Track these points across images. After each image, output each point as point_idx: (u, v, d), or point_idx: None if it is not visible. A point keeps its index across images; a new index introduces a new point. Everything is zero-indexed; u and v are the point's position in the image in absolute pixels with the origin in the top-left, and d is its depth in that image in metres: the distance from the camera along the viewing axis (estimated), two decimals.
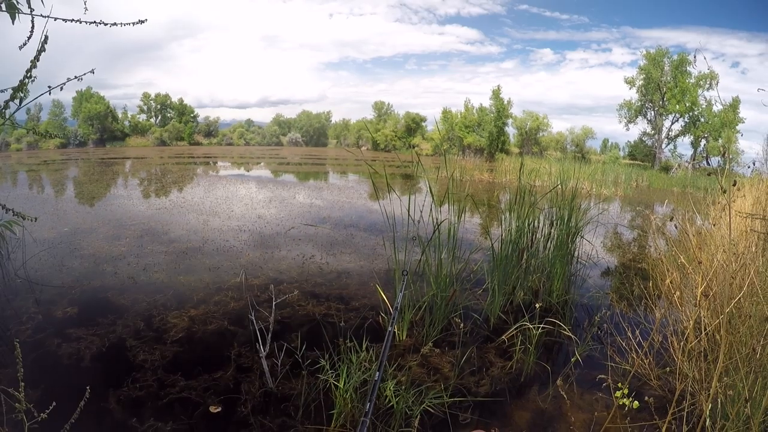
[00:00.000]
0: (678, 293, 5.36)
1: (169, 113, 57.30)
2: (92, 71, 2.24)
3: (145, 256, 8.31)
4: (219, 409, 4.09)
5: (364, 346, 4.40)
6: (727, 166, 3.63)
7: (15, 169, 22.85)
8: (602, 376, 4.39)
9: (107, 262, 7.81)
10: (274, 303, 4.84)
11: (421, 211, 5.72)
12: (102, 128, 49.82)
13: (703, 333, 4.07)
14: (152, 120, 56.95)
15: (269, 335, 4.55)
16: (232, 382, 4.47)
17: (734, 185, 3.59)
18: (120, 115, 53.71)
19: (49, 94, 2.06)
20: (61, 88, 2.10)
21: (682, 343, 4.50)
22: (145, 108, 56.92)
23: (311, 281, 7.15)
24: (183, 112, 57.08)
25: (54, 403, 2.13)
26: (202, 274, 7.38)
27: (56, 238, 9.13)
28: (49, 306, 5.97)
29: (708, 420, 3.08)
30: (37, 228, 8.73)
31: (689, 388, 3.92)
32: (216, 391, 4.33)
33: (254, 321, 4.63)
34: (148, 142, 51.71)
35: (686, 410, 3.34)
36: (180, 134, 54.51)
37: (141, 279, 7.09)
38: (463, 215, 5.88)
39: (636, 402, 2.94)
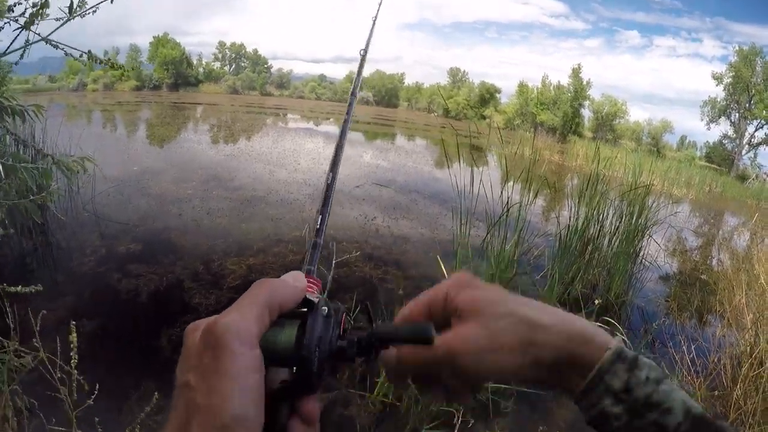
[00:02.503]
0: (748, 314, 5.06)
1: (243, 63, 57.82)
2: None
3: (209, 200, 8.38)
4: None
5: None
6: None
7: (90, 109, 23.48)
8: None
9: (172, 204, 7.90)
10: (333, 261, 4.75)
11: (490, 187, 5.51)
12: (176, 73, 50.67)
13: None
14: (226, 68, 57.59)
15: (325, 293, 4.47)
16: None
17: None
18: (195, 62, 54.52)
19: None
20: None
21: (737, 369, 4.31)
22: (219, 56, 57.58)
23: (371, 243, 7.04)
24: (257, 62, 57.49)
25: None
26: (264, 224, 7.39)
27: (125, 177, 9.30)
28: (113, 241, 6.07)
29: None
30: (107, 165, 8.88)
31: (738, 417, 3.68)
32: None
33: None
34: (221, 90, 52.38)
35: None
36: (252, 84, 55.01)
37: (204, 223, 7.14)
38: (533, 198, 5.63)
39: None
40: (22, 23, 1.97)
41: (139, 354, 4.07)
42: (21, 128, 6.66)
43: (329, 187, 0.82)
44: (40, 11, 1.96)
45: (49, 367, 1.95)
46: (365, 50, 1.30)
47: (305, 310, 0.53)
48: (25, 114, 2.29)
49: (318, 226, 0.77)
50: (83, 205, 7.14)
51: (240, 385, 0.43)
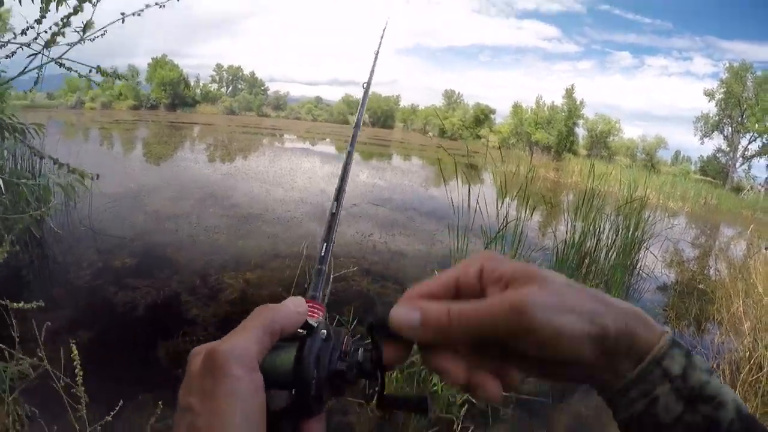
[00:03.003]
0: (745, 322, 5.09)
1: (240, 85, 58.27)
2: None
3: (206, 217, 8.38)
4: None
5: None
6: None
7: (88, 126, 23.52)
8: None
9: (169, 220, 7.91)
10: (331, 276, 4.75)
11: (485, 203, 5.54)
12: (174, 94, 50.99)
13: (766, 369, 3.83)
14: (223, 90, 57.99)
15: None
16: None
17: None
18: (192, 83, 54.86)
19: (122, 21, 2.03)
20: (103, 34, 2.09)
21: (736, 375, 4.33)
22: (217, 78, 58.03)
23: (368, 259, 7.05)
24: (254, 84, 57.95)
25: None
26: (261, 241, 7.39)
27: (122, 193, 9.30)
28: (110, 255, 6.06)
29: None
30: (104, 182, 8.88)
31: None
32: None
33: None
34: (218, 111, 52.71)
35: None
36: (249, 105, 55.35)
37: (201, 239, 7.14)
38: (529, 213, 5.66)
39: None
40: (37, 47, 2.00)
41: (137, 366, 4.05)
42: (20, 145, 6.73)
43: (333, 216, 0.83)
44: (61, 31, 1.99)
45: (53, 374, 1.95)
46: (368, 83, 1.32)
47: (305, 333, 0.53)
48: (26, 132, 2.31)
49: (322, 254, 0.77)
50: (80, 220, 7.14)
51: (241, 409, 0.44)
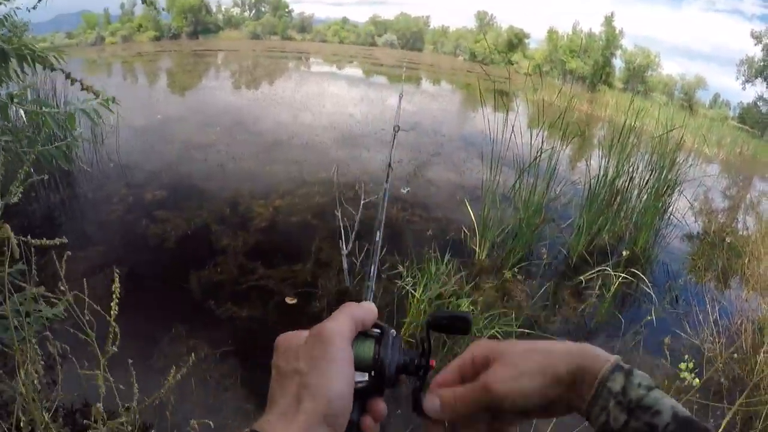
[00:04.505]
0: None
1: (263, 7, 56.87)
2: None
3: (234, 145, 8.34)
4: (295, 301, 4.08)
5: (445, 260, 4.24)
6: None
7: (110, 62, 23.21)
8: (670, 343, 4.19)
9: (197, 150, 7.88)
10: (362, 201, 4.71)
11: (518, 133, 5.39)
12: (195, 21, 50.02)
13: None
14: (246, 14, 56.87)
15: (353, 234, 4.45)
16: (310, 276, 4.46)
17: None
18: (214, 9, 53.90)
19: None
20: None
21: (758, 334, 4.34)
22: (239, 2, 56.85)
23: (397, 186, 6.97)
24: (277, 6, 56.45)
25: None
26: (289, 167, 7.36)
27: (149, 125, 9.28)
28: (139, 189, 6.08)
29: None
30: (130, 115, 8.84)
31: (760, 382, 3.61)
32: (293, 283, 4.32)
33: (339, 217, 4.51)
34: (241, 36, 51.70)
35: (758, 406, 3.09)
36: (273, 28, 54.19)
37: (229, 167, 7.12)
38: (564, 145, 5.51)
39: (697, 379, 2.84)
40: None
41: (169, 297, 4.10)
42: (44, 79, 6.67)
43: (376, 245, 1.04)
44: None
45: (77, 315, 1.93)
46: (398, 126, 1.66)
47: (378, 331, 0.67)
48: (47, 60, 2.24)
49: (371, 274, 0.96)
50: (108, 155, 7.11)
51: (341, 372, 0.58)
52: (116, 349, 1.85)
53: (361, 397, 0.62)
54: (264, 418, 0.56)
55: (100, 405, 1.78)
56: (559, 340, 0.67)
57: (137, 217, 5.32)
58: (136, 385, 1.95)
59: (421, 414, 0.68)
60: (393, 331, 0.68)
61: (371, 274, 0.96)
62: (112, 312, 1.82)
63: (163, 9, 50.51)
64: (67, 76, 2.29)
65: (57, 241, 1.92)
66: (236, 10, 56.63)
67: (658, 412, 0.57)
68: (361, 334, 0.65)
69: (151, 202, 5.73)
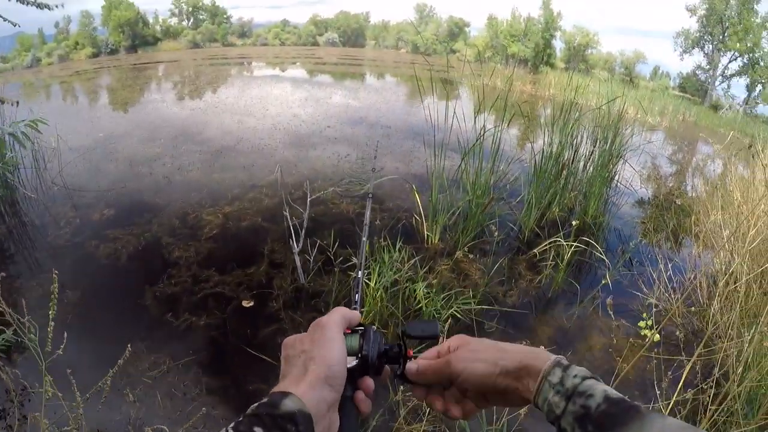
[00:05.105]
0: (723, 233, 5.15)
1: (202, 15, 56.12)
2: None
3: (179, 156, 8.29)
4: (251, 304, 4.13)
5: (397, 247, 4.33)
6: None
7: (47, 83, 22.63)
8: (627, 304, 4.41)
9: (142, 164, 7.81)
10: (308, 199, 4.76)
11: (463, 118, 5.51)
12: (133, 34, 49.04)
13: (744, 279, 3.88)
14: (184, 23, 55.96)
15: (303, 231, 4.51)
16: (265, 278, 4.51)
17: None
18: (151, 20, 52.87)
19: None
20: None
21: (712, 286, 4.47)
22: (176, 11, 55.86)
23: (346, 180, 7.04)
24: (215, 13, 55.74)
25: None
26: (237, 172, 7.35)
27: (91, 145, 9.08)
28: (87, 210, 6.01)
29: (739, 367, 2.98)
30: (72, 136, 8.70)
31: (715, 331, 3.78)
32: (249, 286, 4.37)
33: (288, 217, 4.56)
34: (181, 46, 50.93)
35: (718, 352, 3.22)
36: (213, 36, 53.49)
37: (176, 178, 7.09)
38: (506, 124, 5.64)
39: (657, 335, 3.02)
40: None
41: (126, 316, 4.10)
42: None
43: (358, 281, 1.18)
44: None
45: (29, 342, 1.95)
46: (371, 194, 1.84)
47: (362, 328, 0.85)
48: None
49: (357, 291, 1.12)
50: (52, 179, 6.97)
51: (337, 346, 0.75)
52: (61, 352, 1.88)
53: (353, 376, 0.78)
54: (278, 385, 0.70)
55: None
56: (525, 345, 0.84)
57: (86, 238, 5.25)
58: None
59: (404, 378, 0.87)
60: (374, 328, 0.86)
61: (359, 285, 1.15)
62: (50, 313, 1.84)
63: (97, 26, 49.52)
64: None
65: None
66: (174, 20, 55.47)
67: (591, 396, 0.70)
68: (349, 331, 0.83)
69: (100, 221, 5.67)
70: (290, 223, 4.51)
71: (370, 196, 1.63)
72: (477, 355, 0.83)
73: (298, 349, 0.76)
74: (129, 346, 2.23)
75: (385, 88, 20.61)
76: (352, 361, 0.79)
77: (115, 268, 4.72)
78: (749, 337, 3.01)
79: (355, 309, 0.97)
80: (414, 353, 0.89)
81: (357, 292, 1.11)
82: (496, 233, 5.10)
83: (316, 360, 0.72)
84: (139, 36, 49.65)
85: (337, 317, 0.81)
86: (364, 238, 1.36)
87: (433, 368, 0.85)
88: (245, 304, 4.12)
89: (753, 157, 7.35)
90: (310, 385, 0.68)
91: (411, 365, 0.86)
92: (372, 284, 3.80)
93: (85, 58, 44.18)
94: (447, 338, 0.92)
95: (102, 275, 4.66)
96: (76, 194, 6.52)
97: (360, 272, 1.22)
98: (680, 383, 2.82)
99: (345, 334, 0.81)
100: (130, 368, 3.37)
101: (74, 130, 9.73)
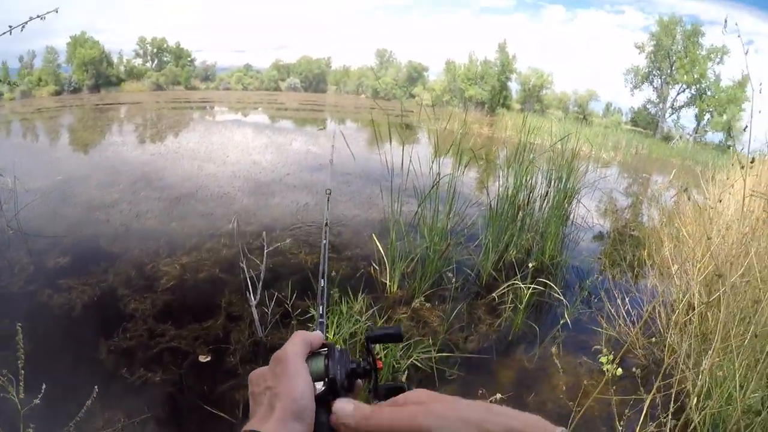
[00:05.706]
0: (674, 265, 5.33)
1: (166, 57, 56.08)
2: (56, 10, 2.14)
3: (137, 203, 8.25)
4: (208, 359, 4.11)
5: (357, 297, 4.41)
6: (733, 143, 3.53)
7: (8, 119, 22.35)
8: (588, 340, 4.50)
9: (100, 210, 7.75)
10: (265, 251, 4.80)
11: (419, 163, 5.65)
12: (97, 74, 48.75)
13: (697, 308, 4.00)
14: (148, 64, 55.79)
15: (260, 284, 4.53)
16: (222, 331, 4.50)
17: (752, 162, 3.52)
18: (115, 60, 52.60)
19: (10, 33, 1.99)
20: (22, 29, 2.03)
21: (670, 316, 4.55)
22: (141, 52, 55.71)
23: (304, 229, 7.12)
24: (180, 55, 55.76)
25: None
26: (195, 221, 7.36)
27: (49, 187, 8.99)
28: (41, 256, 5.93)
29: (694, 398, 3.09)
30: (29, 178, 8.62)
31: (675, 362, 3.89)
32: (206, 340, 4.35)
33: (245, 269, 4.58)
34: (144, 87, 50.67)
35: (673, 384, 3.31)
36: (176, 78, 53.39)
37: (133, 226, 7.05)
38: (462, 169, 5.80)
39: (619, 369, 2.96)
40: None
41: (79, 371, 4.04)
42: None
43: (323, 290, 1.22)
44: None
45: None
46: (330, 190, 1.93)
47: (326, 350, 0.81)
48: None
49: (320, 303, 1.15)
50: (7, 222, 6.86)
51: (299, 377, 0.73)
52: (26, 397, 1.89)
53: (324, 401, 0.75)
54: (248, 423, 0.71)
55: None
56: (511, 408, 0.65)
57: (40, 286, 5.17)
58: None
59: (378, 395, 0.78)
60: (338, 347, 0.83)
61: (321, 311, 1.19)
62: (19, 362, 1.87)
63: (61, 63, 48.91)
64: None
65: None
66: (138, 61, 55.34)
67: None
68: (313, 354, 0.81)
69: (54, 269, 5.60)
70: (247, 276, 4.53)
71: (326, 223, 1.68)
72: (458, 413, 0.62)
73: (263, 386, 0.76)
74: (87, 403, 2.23)
75: (346, 134, 20.75)
76: (320, 386, 0.76)
77: (69, 320, 4.65)
78: (702, 368, 3.12)
79: (315, 330, 0.90)
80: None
81: (321, 304, 1.13)
82: (453, 279, 5.20)
83: (281, 396, 0.71)
84: (102, 75, 49.26)
85: (298, 346, 0.79)
86: (324, 241, 1.48)
87: (387, 417, 0.65)
88: (202, 358, 4.10)
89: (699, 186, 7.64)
90: (278, 421, 0.69)
91: (340, 405, 0.72)
92: (331, 336, 3.85)
93: (47, 95, 43.58)
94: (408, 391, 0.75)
95: (55, 326, 4.58)
96: (31, 239, 6.43)
97: (323, 280, 1.25)
98: (641, 417, 2.92)
99: (308, 357, 0.79)
100: (84, 425, 3.33)
101: (33, 171, 9.63)
